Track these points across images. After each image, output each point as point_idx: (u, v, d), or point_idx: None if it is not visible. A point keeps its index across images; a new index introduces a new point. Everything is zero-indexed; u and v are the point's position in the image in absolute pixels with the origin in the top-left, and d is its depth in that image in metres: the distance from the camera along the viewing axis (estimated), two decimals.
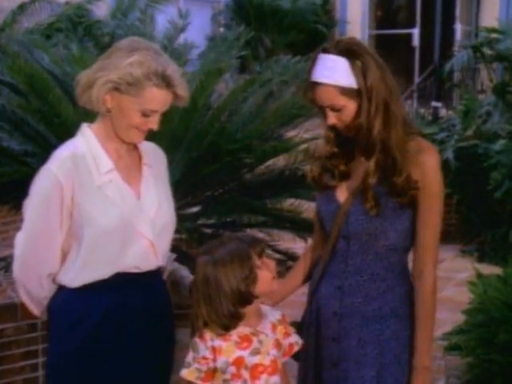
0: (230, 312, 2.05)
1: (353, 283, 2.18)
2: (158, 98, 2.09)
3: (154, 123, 2.13)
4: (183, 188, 3.64)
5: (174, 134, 3.66)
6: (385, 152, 2.12)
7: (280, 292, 2.33)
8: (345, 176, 2.20)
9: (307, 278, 2.38)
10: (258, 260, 2.08)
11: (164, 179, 2.31)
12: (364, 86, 2.08)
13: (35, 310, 2.28)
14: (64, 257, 2.15)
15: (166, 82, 2.08)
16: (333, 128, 2.16)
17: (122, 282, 2.15)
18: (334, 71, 2.07)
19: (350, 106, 2.10)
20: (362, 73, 2.07)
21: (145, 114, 2.10)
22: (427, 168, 2.13)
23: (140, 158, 2.25)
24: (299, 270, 2.40)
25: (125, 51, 2.09)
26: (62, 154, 2.15)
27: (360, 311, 2.17)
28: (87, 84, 2.12)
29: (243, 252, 2.07)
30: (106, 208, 2.11)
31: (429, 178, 2.13)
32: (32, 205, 2.14)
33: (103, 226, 2.09)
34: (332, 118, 2.12)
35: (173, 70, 2.11)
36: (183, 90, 2.13)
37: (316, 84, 2.10)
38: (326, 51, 2.10)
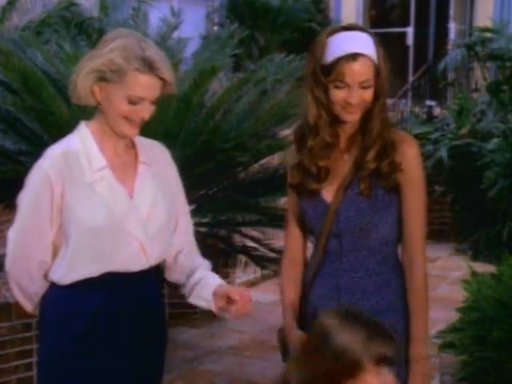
0: None
1: (348, 281, 2.17)
2: (141, 84, 2.05)
3: (144, 112, 2.08)
4: None
5: (167, 132, 3.65)
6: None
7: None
8: (327, 173, 2.17)
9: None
10: (373, 367, 1.61)
11: (163, 178, 2.26)
12: (380, 63, 2.09)
13: (27, 305, 2.27)
14: (56, 252, 2.15)
15: (147, 65, 2.05)
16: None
17: (113, 281, 2.14)
18: (367, 44, 2.07)
19: (373, 84, 2.09)
20: (379, 50, 2.09)
21: (131, 102, 2.06)
22: (409, 158, 2.14)
23: (137, 156, 2.22)
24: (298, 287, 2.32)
25: (108, 41, 2.10)
26: (54, 151, 2.14)
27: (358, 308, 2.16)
28: (74, 82, 2.12)
29: (353, 358, 1.60)
30: (95, 206, 2.10)
31: (411, 167, 2.14)
32: (23, 201, 2.14)
33: (90, 225, 2.08)
34: (357, 97, 2.07)
35: (153, 52, 2.08)
36: (167, 74, 2.09)
37: (356, 56, 2.05)
38: (346, 29, 2.10)
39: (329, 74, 2.07)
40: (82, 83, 2.09)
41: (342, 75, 2.05)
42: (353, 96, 2.07)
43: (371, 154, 2.12)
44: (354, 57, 2.05)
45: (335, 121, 2.15)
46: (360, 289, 2.17)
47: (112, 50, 2.06)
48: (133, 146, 2.23)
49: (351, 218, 2.13)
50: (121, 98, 2.07)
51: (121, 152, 2.19)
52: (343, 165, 2.17)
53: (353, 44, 2.07)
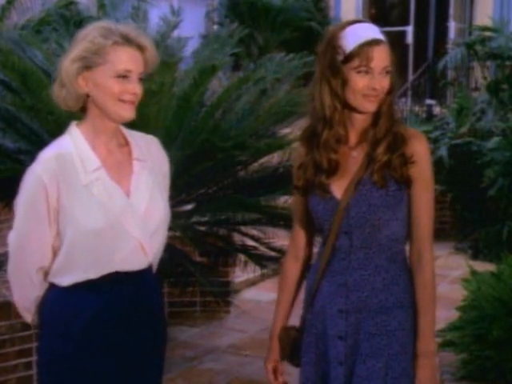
0: None
1: (357, 278, 2.17)
2: (124, 55, 2.07)
3: (135, 87, 2.08)
4: (177, 185, 3.63)
5: (167, 131, 3.65)
6: None
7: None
8: (336, 167, 2.18)
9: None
10: None
11: (157, 171, 2.25)
12: (392, 56, 2.14)
13: (27, 316, 2.27)
14: (55, 255, 2.14)
15: (123, 37, 2.07)
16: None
17: (113, 282, 2.13)
18: (382, 34, 2.12)
19: (390, 72, 2.12)
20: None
21: (120, 76, 2.06)
22: (419, 153, 2.15)
23: (131, 153, 2.20)
24: (292, 288, 2.38)
25: (80, 32, 2.12)
26: (47, 154, 2.12)
27: (366, 305, 2.16)
28: (58, 80, 2.12)
29: None
30: (91, 208, 2.08)
31: (421, 162, 2.16)
32: (20, 206, 2.13)
33: (87, 227, 2.07)
34: (380, 83, 2.10)
35: (125, 27, 2.11)
36: (145, 41, 2.11)
37: (379, 41, 2.09)
38: (359, 22, 2.14)
39: (351, 61, 2.09)
40: (66, 74, 2.08)
41: (367, 59, 2.07)
42: (376, 81, 2.09)
43: (382, 147, 2.14)
44: (377, 42, 2.09)
45: (347, 116, 2.17)
46: (369, 286, 2.17)
47: (87, 34, 2.08)
48: (126, 143, 2.21)
49: (363, 213, 2.13)
50: (109, 77, 2.07)
51: (114, 150, 2.17)
52: (352, 161, 2.18)
53: (373, 31, 2.11)
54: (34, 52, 4.11)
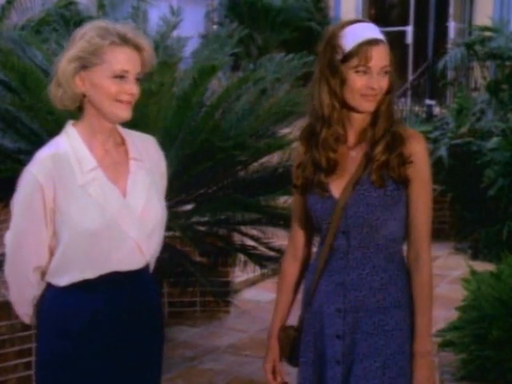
0: None
1: (355, 278, 2.18)
2: (121, 56, 2.06)
3: (131, 88, 2.08)
4: (177, 185, 3.64)
5: (167, 131, 3.65)
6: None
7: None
8: (335, 166, 2.19)
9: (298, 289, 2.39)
10: None
11: (154, 171, 2.25)
12: (391, 56, 2.14)
13: (26, 318, 2.28)
14: (51, 255, 2.14)
15: (120, 37, 2.06)
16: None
17: (110, 282, 2.13)
18: (381, 34, 2.12)
19: (389, 72, 2.12)
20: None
21: (117, 77, 2.06)
22: (417, 153, 2.16)
23: (127, 152, 2.20)
24: (291, 288, 2.38)
25: (77, 32, 2.11)
26: (43, 154, 2.11)
27: (364, 304, 2.17)
28: (55, 80, 2.12)
29: None
30: (88, 208, 2.08)
31: (419, 163, 2.16)
32: (16, 206, 2.13)
33: (84, 227, 2.06)
34: (377, 82, 2.10)
35: (122, 27, 2.11)
36: (142, 41, 2.11)
37: (378, 41, 2.10)
38: (359, 22, 2.14)
39: (350, 60, 2.09)
40: (63, 74, 2.07)
41: (365, 59, 2.08)
42: (374, 81, 2.09)
43: (380, 147, 2.14)
44: (376, 42, 2.09)
45: (346, 116, 2.17)
46: (367, 285, 2.17)
47: (85, 34, 2.08)
48: (122, 142, 2.21)
49: (360, 213, 2.14)
50: (106, 77, 2.06)
51: (110, 150, 2.17)
52: (351, 161, 2.19)
53: (372, 31, 2.12)
54: (34, 52, 4.11)
